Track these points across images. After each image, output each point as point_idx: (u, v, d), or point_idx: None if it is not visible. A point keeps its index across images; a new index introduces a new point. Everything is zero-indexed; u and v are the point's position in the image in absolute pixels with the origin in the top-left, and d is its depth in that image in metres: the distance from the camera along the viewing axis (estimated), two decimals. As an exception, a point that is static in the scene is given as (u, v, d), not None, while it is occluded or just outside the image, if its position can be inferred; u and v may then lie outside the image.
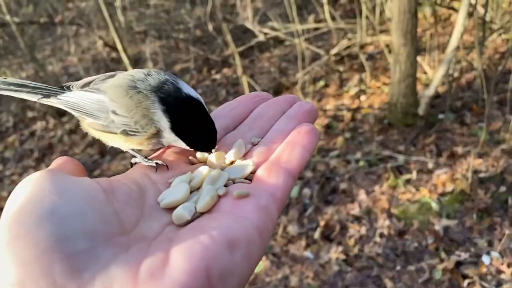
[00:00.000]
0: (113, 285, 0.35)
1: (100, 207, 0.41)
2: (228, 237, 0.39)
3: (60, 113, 4.45)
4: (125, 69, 4.04)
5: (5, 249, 0.35)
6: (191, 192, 0.49)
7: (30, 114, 4.85)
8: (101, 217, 0.40)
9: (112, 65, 5.48)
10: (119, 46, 2.56)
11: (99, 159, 3.79)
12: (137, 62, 5.36)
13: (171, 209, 0.46)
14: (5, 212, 0.39)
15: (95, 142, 4.04)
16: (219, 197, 0.46)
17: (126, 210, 0.43)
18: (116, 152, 3.82)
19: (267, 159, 0.51)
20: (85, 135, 4.20)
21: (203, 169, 0.51)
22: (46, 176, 0.42)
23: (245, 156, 0.54)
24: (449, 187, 2.63)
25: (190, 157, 0.58)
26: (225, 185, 0.48)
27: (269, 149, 0.53)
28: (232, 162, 0.54)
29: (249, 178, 0.50)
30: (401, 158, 2.90)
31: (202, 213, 0.45)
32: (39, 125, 4.56)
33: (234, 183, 0.49)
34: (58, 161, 0.48)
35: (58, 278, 0.34)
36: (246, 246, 0.40)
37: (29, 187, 0.40)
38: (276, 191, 0.46)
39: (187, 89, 0.59)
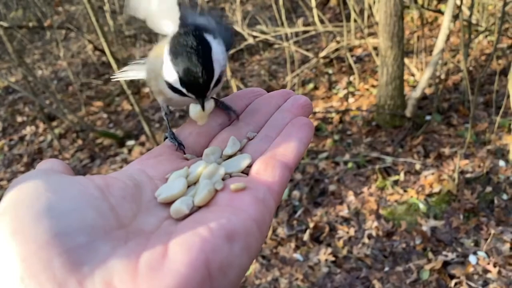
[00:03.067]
0: (113, 278, 0.35)
1: (96, 203, 0.40)
2: (227, 229, 0.39)
3: (50, 118, 4.43)
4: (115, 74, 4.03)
5: (4, 245, 0.35)
6: (188, 186, 0.49)
7: (19, 119, 4.82)
8: (98, 212, 0.39)
9: (102, 69, 5.47)
10: (106, 50, 2.55)
11: (88, 163, 3.78)
12: (127, 65, 5.35)
13: (168, 204, 0.46)
14: (0, 210, 0.38)
15: (85, 146, 4.02)
16: (216, 191, 0.46)
17: (122, 205, 0.42)
18: (106, 156, 3.82)
19: (263, 153, 0.51)
20: (74, 139, 4.19)
21: (200, 164, 0.51)
22: (39, 175, 0.42)
23: (241, 150, 0.55)
24: (436, 188, 2.66)
25: (185, 155, 0.58)
26: (222, 179, 0.49)
27: (265, 143, 0.54)
28: (228, 157, 0.54)
29: (246, 172, 0.50)
30: (389, 160, 2.93)
31: (199, 207, 0.45)
32: (28, 130, 4.53)
33: (231, 177, 0.49)
34: (45, 163, 0.48)
35: (58, 272, 0.34)
36: (245, 238, 0.39)
37: (23, 186, 0.40)
38: (273, 184, 0.46)
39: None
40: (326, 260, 2.40)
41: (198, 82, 0.55)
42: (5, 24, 4.47)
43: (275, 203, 0.45)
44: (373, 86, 3.75)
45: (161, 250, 0.37)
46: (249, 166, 0.50)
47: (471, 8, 3.25)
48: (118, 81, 4.17)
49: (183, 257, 0.36)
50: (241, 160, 0.51)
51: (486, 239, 2.32)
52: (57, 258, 0.34)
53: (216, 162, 0.53)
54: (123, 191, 0.44)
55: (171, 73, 0.56)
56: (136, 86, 4.89)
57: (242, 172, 0.50)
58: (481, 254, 2.26)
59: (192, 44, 0.55)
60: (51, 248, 0.35)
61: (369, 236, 2.49)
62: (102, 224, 0.39)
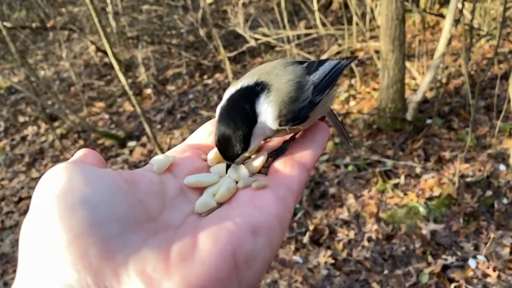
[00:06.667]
0: (146, 267, 0.36)
1: (126, 196, 0.42)
2: (251, 223, 0.41)
3: (51, 118, 4.44)
4: (117, 75, 4.07)
5: (52, 233, 0.37)
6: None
7: (21, 119, 4.83)
8: (128, 204, 0.41)
9: (104, 70, 5.48)
10: (108, 51, 2.57)
11: (90, 164, 3.78)
12: (129, 67, 5.37)
13: (192, 200, 0.48)
14: (36, 202, 0.40)
15: (86, 146, 4.03)
16: (238, 189, 0.48)
17: (149, 199, 0.44)
18: (107, 157, 3.82)
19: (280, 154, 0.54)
20: (76, 140, 4.20)
21: (222, 163, 0.54)
22: (73, 167, 0.43)
23: (258, 151, 0.57)
24: (436, 192, 2.66)
25: (203, 156, 0.57)
26: (243, 178, 0.51)
27: (282, 145, 0.56)
28: (247, 158, 0.56)
29: (265, 172, 0.52)
30: (389, 163, 2.93)
31: (221, 204, 0.47)
32: (30, 130, 4.55)
33: (251, 175, 0.52)
34: (80, 153, 0.50)
35: (94, 260, 0.35)
36: (268, 233, 0.42)
37: (58, 178, 0.41)
38: (292, 183, 0.48)
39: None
40: (326, 262, 2.40)
41: (220, 150, 0.54)
42: (8, 24, 4.50)
43: (294, 202, 0.47)
44: (374, 89, 3.75)
45: (191, 242, 0.39)
46: (268, 167, 0.53)
47: (472, 12, 3.26)
48: (120, 81, 4.18)
49: (211, 248, 0.39)
50: (258, 158, 0.54)
51: (486, 243, 2.31)
52: (93, 247, 0.36)
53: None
54: (149, 187, 0.46)
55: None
56: (138, 87, 4.90)
57: (260, 171, 0.53)
58: (481, 258, 2.26)
59: (225, 115, 0.53)
60: (87, 237, 0.36)
61: (369, 239, 2.49)
62: (133, 216, 0.41)
